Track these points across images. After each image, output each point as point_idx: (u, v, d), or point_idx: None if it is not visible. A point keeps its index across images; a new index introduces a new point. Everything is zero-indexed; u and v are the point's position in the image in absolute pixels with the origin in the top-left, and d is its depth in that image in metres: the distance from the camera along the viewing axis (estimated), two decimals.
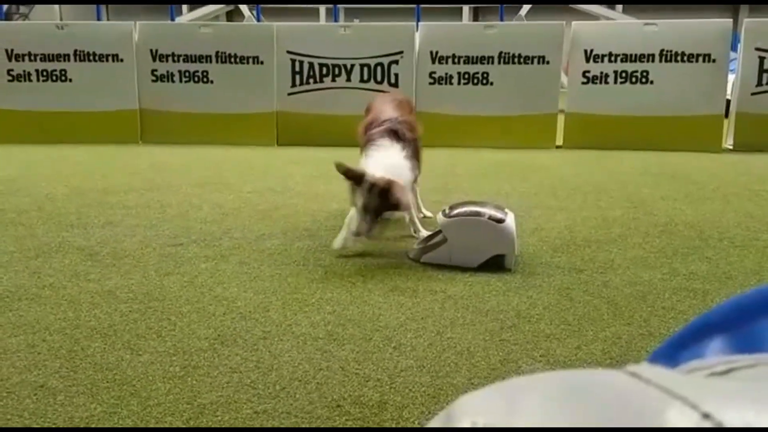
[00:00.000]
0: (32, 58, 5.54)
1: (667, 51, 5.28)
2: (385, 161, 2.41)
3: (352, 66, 5.56)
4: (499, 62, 5.45)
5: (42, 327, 1.77)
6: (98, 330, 1.77)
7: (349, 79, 5.59)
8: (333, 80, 5.59)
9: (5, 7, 10.28)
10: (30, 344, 1.67)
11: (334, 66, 5.57)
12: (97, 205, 3.26)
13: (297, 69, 5.57)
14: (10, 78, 5.54)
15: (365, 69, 5.55)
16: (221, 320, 1.85)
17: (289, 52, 5.56)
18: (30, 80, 5.56)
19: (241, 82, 5.56)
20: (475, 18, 16.00)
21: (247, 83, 5.57)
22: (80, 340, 1.70)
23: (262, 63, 5.55)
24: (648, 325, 1.83)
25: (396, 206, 2.36)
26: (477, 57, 5.46)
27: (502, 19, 9.19)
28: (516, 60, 5.43)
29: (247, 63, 5.58)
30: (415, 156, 2.59)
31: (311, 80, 5.60)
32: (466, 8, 15.95)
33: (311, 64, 5.57)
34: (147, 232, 2.78)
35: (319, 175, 4.01)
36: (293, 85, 5.59)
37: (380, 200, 2.32)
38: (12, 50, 5.51)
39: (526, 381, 0.18)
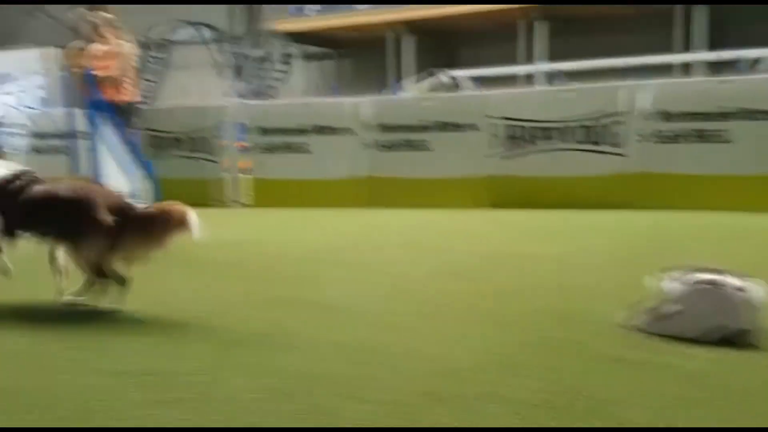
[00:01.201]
0: (280, 132, 6.33)
1: None
2: None
3: (569, 127, 5.50)
4: (739, 118, 5.01)
5: (274, 373, 1.94)
6: (327, 377, 1.89)
7: (565, 141, 5.52)
8: (549, 142, 5.57)
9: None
10: (271, 388, 1.82)
11: (548, 128, 5.56)
12: (330, 262, 3.56)
13: (511, 133, 5.67)
14: (262, 150, 6.38)
15: (582, 130, 5.46)
16: (435, 377, 1.87)
17: (502, 117, 5.69)
18: (277, 152, 6.34)
19: (457, 148, 5.82)
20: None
21: (463, 149, 5.80)
22: (310, 386, 1.83)
23: (477, 129, 5.76)
24: None
25: None
26: (712, 113, 5.09)
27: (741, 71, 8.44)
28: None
29: (464, 130, 5.82)
30: None
31: (526, 143, 5.64)
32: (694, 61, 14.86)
33: (525, 128, 5.62)
34: (365, 287, 2.96)
35: (531, 237, 3.95)
36: (508, 149, 5.69)
37: None
38: (262, 126, 6.38)
39: None
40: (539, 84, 12.83)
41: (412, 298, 2.75)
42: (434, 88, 12.88)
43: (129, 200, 2.76)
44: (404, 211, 5.57)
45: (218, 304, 2.73)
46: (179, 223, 2.54)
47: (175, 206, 2.59)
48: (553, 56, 13.02)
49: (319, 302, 2.71)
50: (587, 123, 5.40)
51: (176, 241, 2.58)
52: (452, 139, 5.83)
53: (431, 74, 13.22)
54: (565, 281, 3.03)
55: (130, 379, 1.90)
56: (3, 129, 7.59)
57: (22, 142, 7.64)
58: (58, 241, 2.61)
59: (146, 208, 2.71)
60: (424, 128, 5.90)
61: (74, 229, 2.51)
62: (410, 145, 5.96)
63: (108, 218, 2.47)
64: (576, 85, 7.49)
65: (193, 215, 2.55)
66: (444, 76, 13.08)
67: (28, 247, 2.73)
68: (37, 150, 7.31)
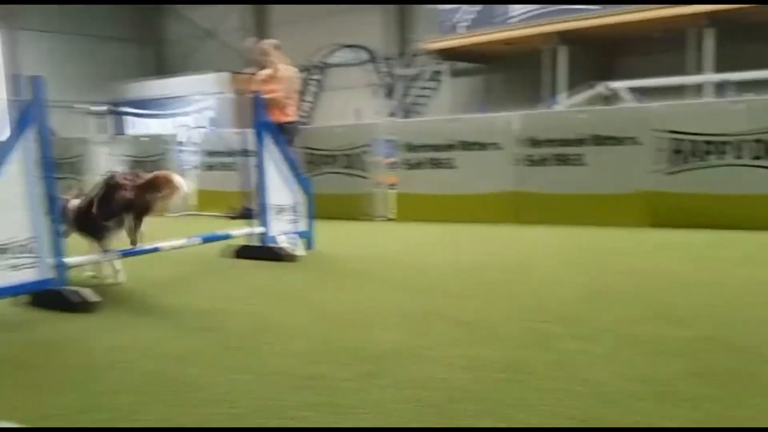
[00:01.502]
0: (426, 149, 6.44)
1: None
2: None
3: (745, 142, 5.04)
4: None
5: (425, 384, 1.97)
6: (471, 393, 1.89)
7: (739, 157, 5.07)
8: (720, 158, 5.15)
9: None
10: (416, 398, 1.86)
11: (721, 143, 5.13)
12: (471, 278, 3.55)
13: (677, 147, 5.31)
14: (408, 166, 6.52)
15: (760, 145, 4.98)
16: (588, 403, 1.79)
17: (668, 131, 5.35)
18: (423, 168, 6.45)
19: (615, 163, 5.56)
20: None
21: (622, 164, 5.54)
22: (455, 400, 1.84)
23: (638, 143, 5.47)
24: None
25: None
26: None
27: None
28: None
29: (624, 144, 5.55)
30: None
31: (693, 158, 5.25)
32: None
33: (693, 142, 5.23)
34: (510, 304, 2.91)
35: (695, 259, 3.65)
36: (673, 164, 5.34)
37: None
38: (410, 142, 6.52)
39: None
40: (707, 95, 11.91)
41: (559, 318, 2.66)
42: (591, 101, 12.41)
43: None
44: (552, 228, 5.42)
45: (366, 315, 2.82)
46: (168, 182, 3.43)
47: (164, 173, 3.55)
48: (723, 65, 12.04)
49: (459, 317, 2.71)
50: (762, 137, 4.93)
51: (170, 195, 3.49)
52: (609, 154, 5.57)
53: (591, 86, 12.76)
54: (735, 309, 2.77)
55: (287, 380, 2.03)
56: (180, 148, 8.42)
57: (196, 160, 8.45)
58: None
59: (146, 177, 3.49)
60: (578, 142, 5.71)
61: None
62: (562, 160, 5.79)
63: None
64: (751, 96, 6.90)
65: (177, 177, 3.52)
66: (603, 88, 12.56)
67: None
68: (209, 167, 8.03)
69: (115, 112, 24.11)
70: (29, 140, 2.99)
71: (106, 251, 3.51)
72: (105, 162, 8.79)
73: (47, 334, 2.68)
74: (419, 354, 2.26)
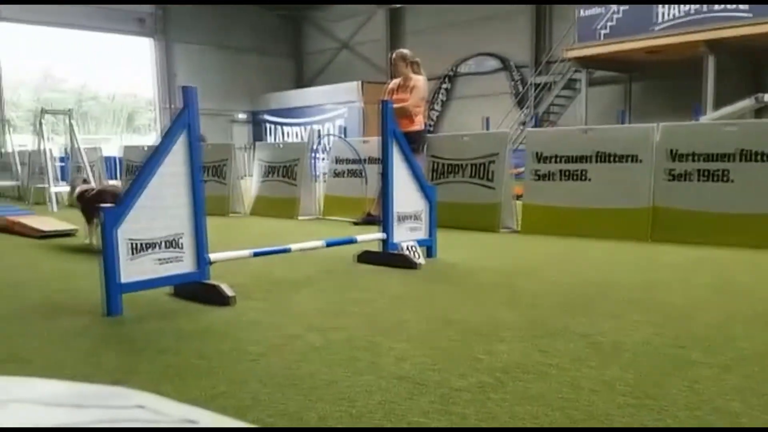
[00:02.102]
0: (557, 159, 6.24)
1: None
2: None
3: None
4: None
5: (544, 402, 1.92)
6: (594, 416, 1.81)
7: None
8: None
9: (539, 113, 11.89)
10: (533, 415, 1.82)
11: None
12: (601, 296, 3.39)
13: None
14: (537, 177, 6.35)
15: None
16: None
17: None
18: (553, 179, 6.25)
19: (765, 181, 5.09)
20: None
21: None
22: (576, 421, 1.77)
23: None
24: None
25: None
26: None
27: None
28: None
29: None
30: None
31: None
32: None
33: None
34: (643, 325, 2.74)
35: None
36: None
37: None
38: (540, 153, 6.34)
39: None
40: None
41: (697, 343, 2.47)
42: (740, 113, 11.47)
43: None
44: (693, 248, 5.04)
45: (486, 326, 2.79)
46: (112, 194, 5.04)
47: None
48: None
49: (587, 336, 2.60)
50: None
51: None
52: (760, 171, 5.10)
53: (740, 98, 11.79)
54: None
55: (404, 385, 2.06)
56: (312, 155, 8.79)
57: (326, 166, 8.78)
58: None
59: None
60: (725, 157, 5.28)
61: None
62: (707, 175, 5.38)
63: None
64: None
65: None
66: (753, 100, 11.56)
67: None
68: (337, 173, 8.32)
69: (256, 120, 25.69)
70: (182, 144, 3.26)
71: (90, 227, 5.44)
72: (245, 166, 9.37)
73: (188, 324, 2.90)
74: (541, 370, 2.20)
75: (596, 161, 6.00)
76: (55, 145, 13.02)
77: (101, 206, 3.10)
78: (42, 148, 9.86)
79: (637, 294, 3.45)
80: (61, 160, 12.98)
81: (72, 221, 6.51)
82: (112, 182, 9.22)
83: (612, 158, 5.91)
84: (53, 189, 9.46)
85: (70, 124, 9.82)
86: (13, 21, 21.07)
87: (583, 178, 6.08)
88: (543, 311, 3.08)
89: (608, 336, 2.61)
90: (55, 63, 24.01)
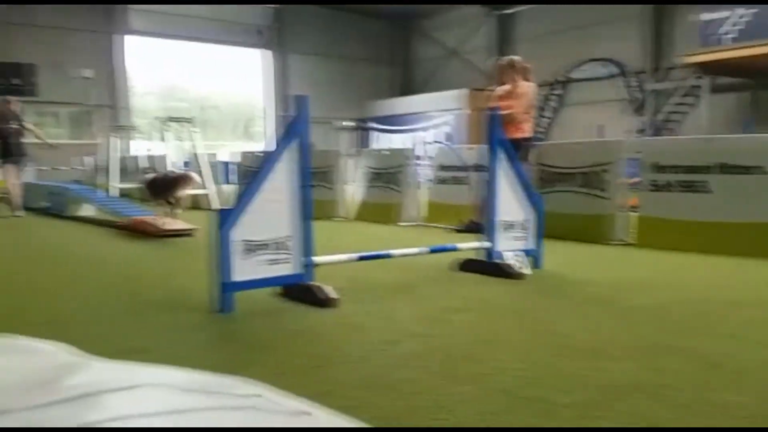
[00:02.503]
0: (677, 170, 5.89)
1: None
2: None
3: None
4: None
5: (655, 423, 1.81)
6: None
7: None
8: None
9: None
10: None
11: None
12: (721, 316, 3.16)
13: None
14: (654, 188, 6.02)
15: None
16: None
17: None
18: (671, 190, 5.90)
19: None
20: None
21: None
22: None
23: None
24: None
25: None
26: None
27: None
28: None
29: None
30: None
31: None
32: None
33: None
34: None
35: None
36: None
37: None
38: (658, 162, 6.01)
39: None
40: None
41: None
42: None
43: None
44: None
45: (594, 342, 2.67)
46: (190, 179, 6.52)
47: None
48: None
49: (707, 357, 2.42)
50: None
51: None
52: None
53: None
54: None
55: (505, 398, 2.01)
56: (416, 162, 8.83)
57: (430, 173, 8.79)
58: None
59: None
60: None
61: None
62: None
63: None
64: None
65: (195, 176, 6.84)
66: None
67: None
68: (441, 180, 8.30)
69: (362, 127, 26.20)
70: (293, 151, 3.38)
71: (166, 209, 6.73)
72: (351, 172, 9.57)
73: (294, 324, 2.99)
74: (652, 391, 2.07)
75: (719, 172, 5.60)
76: (177, 151, 13.94)
77: (223, 209, 3.28)
78: (164, 153, 10.57)
79: (761, 314, 3.18)
80: (185, 164, 13.88)
81: (190, 221, 6.93)
82: (181, 171, 10.02)
83: (737, 169, 5.50)
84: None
85: (192, 132, 10.45)
86: (142, 34, 22.78)
87: (705, 189, 5.69)
88: (656, 328, 2.91)
89: (727, 357, 2.43)
90: (181, 73, 25.72)
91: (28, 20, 20.16)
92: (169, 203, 6.70)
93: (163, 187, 6.72)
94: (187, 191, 6.94)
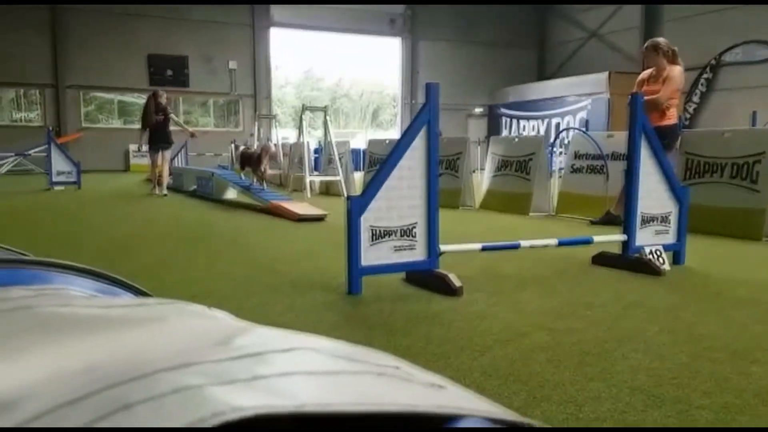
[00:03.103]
0: None
1: None
2: None
3: None
4: None
5: None
6: None
7: None
8: None
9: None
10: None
11: None
12: None
13: None
14: None
15: None
16: None
17: None
18: None
19: None
20: None
21: None
22: None
23: None
24: None
25: None
26: None
27: None
28: None
29: None
30: None
31: None
32: None
33: None
34: None
35: None
36: None
37: None
38: None
39: None
40: None
41: None
42: None
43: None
44: None
45: (740, 344, 2.48)
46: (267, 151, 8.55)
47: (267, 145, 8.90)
48: None
49: None
50: None
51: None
52: None
53: None
54: None
55: (638, 396, 1.93)
56: (549, 149, 8.56)
57: (563, 161, 8.48)
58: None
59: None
60: None
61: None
62: None
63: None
64: None
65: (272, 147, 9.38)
66: None
67: None
68: (575, 169, 7.98)
69: (492, 114, 25.79)
70: (422, 139, 3.42)
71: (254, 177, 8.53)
72: (478, 160, 9.48)
73: (418, 309, 3.04)
74: None
75: None
76: (312, 139, 14.53)
77: (353, 196, 3.40)
78: (301, 141, 11.04)
79: None
80: (315, 151, 14.44)
81: (323, 207, 7.21)
82: (272, 143, 11.87)
83: None
84: (308, 178, 10.55)
85: (325, 120, 10.85)
86: (283, 26, 23.87)
87: None
88: None
89: None
90: (316, 63, 26.72)
91: (182, 15, 21.82)
92: (255, 173, 8.63)
93: (248, 158, 8.76)
94: (266, 162, 8.60)
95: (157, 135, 10.17)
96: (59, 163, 11.68)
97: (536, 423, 0.31)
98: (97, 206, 8.57)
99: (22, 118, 21.05)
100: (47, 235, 5.82)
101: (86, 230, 6.20)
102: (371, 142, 11.41)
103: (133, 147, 20.09)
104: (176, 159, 14.81)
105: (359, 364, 0.31)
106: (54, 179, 11.54)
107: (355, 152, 14.49)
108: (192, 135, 11.47)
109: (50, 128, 15.27)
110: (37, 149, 15.14)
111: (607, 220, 6.38)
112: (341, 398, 0.25)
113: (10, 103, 20.93)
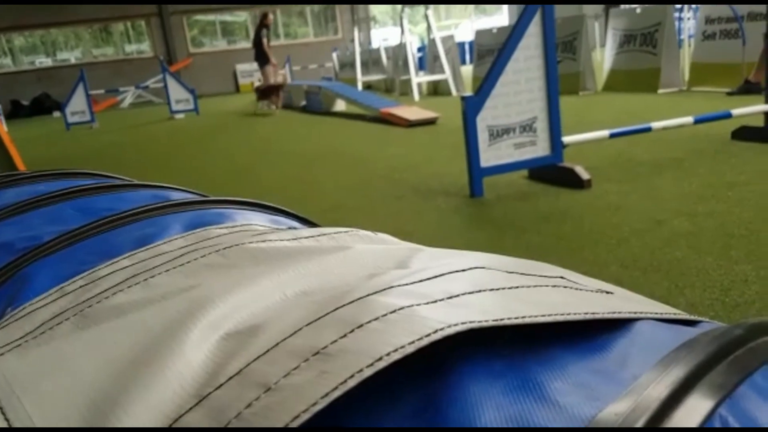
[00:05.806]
0: None
1: None
2: None
3: None
4: None
5: None
6: None
7: None
8: None
9: None
10: None
11: None
12: None
13: None
14: None
15: None
16: None
17: None
18: None
19: None
20: None
21: None
22: None
23: None
24: None
25: None
26: None
27: None
28: None
29: None
30: None
31: None
32: None
33: None
34: None
35: None
36: None
37: None
38: None
39: None
40: None
41: None
42: None
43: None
44: None
45: None
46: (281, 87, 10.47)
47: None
48: None
49: None
50: None
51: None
52: None
53: None
54: None
55: None
56: (679, 16, 7.78)
57: (695, 27, 7.70)
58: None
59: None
60: None
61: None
62: None
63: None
64: None
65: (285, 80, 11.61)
66: None
67: None
68: (707, 35, 7.22)
69: None
70: (536, 25, 3.23)
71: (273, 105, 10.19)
72: (598, 37, 8.79)
73: (545, 206, 3.00)
74: None
75: None
76: (414, 37, 14.10)
77: (467, 96, 3.32)
78: (404, 41, 10.74)
79: None
80: (419, 50, 13.97)
81: (434, 109, 7.12)
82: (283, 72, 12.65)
83: None
84: (415, 80, 10.36)
85: (426, 15, 10.46)
86: None
87: None
88: None
89: None
90: None
91: None
92: (274, 103, 10.32)
93: (266, 91, 10.36)
94: (281, 94, 10.39)
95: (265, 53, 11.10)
96: (176, 92, 12.09)
97: (706, 320, 0.32)
98: (219, 131, 8.98)
99: (134, 50, 21.98)
100: (183, 166, 6.23)
101: (213, 156, 6.57)
102: (478, 33, 10.89)
103: (240, 67, 20.53)
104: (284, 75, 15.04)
105: (533, 279, 0.32)
106: (174, 108, 12.01)
107: (461, 45, 13.88)
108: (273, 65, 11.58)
109: (161, 57, 15.86)
110: (153, 80, 15.80)
111: (747, 89, 5.84)
112: (529, 311, 0.27)
113: (121, 37, 21.83)
